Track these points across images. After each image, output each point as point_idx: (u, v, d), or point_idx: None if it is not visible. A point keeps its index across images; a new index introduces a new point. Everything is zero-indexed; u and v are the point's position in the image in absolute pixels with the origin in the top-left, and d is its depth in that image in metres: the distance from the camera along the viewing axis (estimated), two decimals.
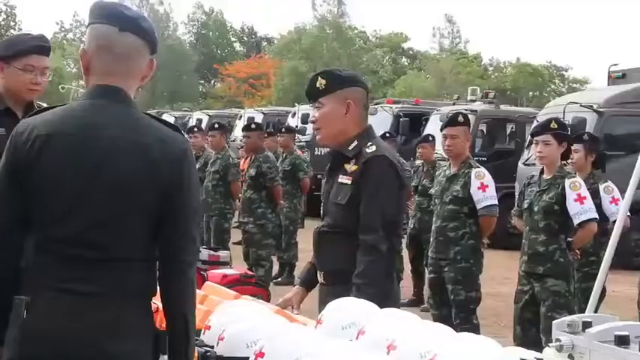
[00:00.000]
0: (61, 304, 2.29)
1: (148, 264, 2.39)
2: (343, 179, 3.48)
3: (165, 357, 2.45)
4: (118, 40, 2.40)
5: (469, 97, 18.43)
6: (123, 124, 2.36)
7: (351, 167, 3.47)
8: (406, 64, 57.72)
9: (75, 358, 2.29)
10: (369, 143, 3.49)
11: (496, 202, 6.33)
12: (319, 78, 3.53)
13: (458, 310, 6.26)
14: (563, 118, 11.29)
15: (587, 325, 1.96)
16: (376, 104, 19.14)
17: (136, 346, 2.34)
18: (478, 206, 6.26)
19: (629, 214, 5.15)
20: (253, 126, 9.73)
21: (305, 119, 19.36)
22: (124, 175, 2.32)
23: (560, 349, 1.95)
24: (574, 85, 51.91)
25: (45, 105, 3.99)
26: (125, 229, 2.34)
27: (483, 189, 6.26)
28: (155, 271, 2.41)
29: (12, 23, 54.79)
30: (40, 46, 3.83)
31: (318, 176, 11.96)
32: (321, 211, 3.70)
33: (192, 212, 2.42)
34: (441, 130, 6.53)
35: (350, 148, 3.50)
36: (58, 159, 2.33)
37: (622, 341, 1.88)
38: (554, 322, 2.03)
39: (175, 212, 2.37)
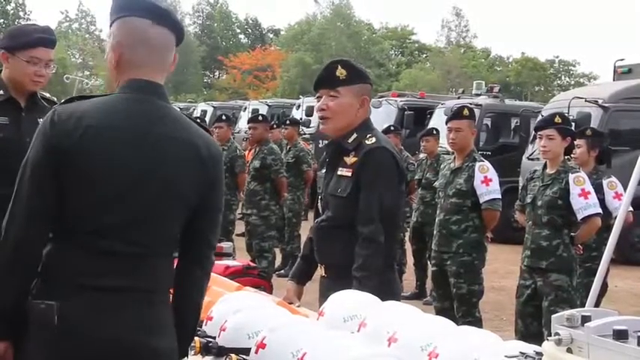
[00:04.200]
0: (97, 301, 2.24)
1: (171, 259, 2.41)
2: (343, 172, 3.48)
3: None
4: (153, 33, 2.37)
5: (474, 91, 18.35)
6: (171, 122, 2.35)
7: (350, 159, 3.47)
8: (416, 55, 57.61)
9: (115, 355, 2.25)
10: (369, 135, 3.49)
11: (499, 196, 6.33)
12: (339, 67, 3.49)
13: (460, 303, 6.26)
14: (568, 113, 11.26)
15: (586, 319, 1.97)
16: (381, 97, 19.11)
17: (173, 342, 2.36)
18: (481, 200, 6.25)
19: (631, 209, 5.15)
20: (260, 118, 9.77)
21: (310, 111, 19.34)
22: (176, 174, 2.32)
23: (558, 342, 1.97)
24: (581, 81, 51.76)
25: (48, 95, 4.02)
26: (163, 225, 2.33)
27: (487, 183, 6.26)
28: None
29: (21, 13, 54.89)
30: (46, 39, 3.84)
31: None
32: (319, 205, 3.69)
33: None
34: (446, 123, 6.52)
35: (350, 140, 3.50)
36: (106, 151, 2.26)
37: (620, 335, 1.89)
38: (553, 316, 2.04)
39: (209, 210, 2.42)
